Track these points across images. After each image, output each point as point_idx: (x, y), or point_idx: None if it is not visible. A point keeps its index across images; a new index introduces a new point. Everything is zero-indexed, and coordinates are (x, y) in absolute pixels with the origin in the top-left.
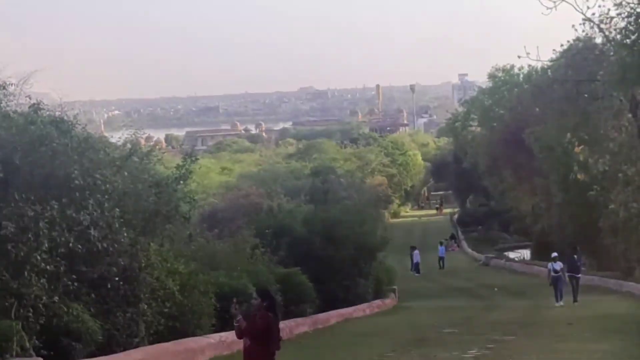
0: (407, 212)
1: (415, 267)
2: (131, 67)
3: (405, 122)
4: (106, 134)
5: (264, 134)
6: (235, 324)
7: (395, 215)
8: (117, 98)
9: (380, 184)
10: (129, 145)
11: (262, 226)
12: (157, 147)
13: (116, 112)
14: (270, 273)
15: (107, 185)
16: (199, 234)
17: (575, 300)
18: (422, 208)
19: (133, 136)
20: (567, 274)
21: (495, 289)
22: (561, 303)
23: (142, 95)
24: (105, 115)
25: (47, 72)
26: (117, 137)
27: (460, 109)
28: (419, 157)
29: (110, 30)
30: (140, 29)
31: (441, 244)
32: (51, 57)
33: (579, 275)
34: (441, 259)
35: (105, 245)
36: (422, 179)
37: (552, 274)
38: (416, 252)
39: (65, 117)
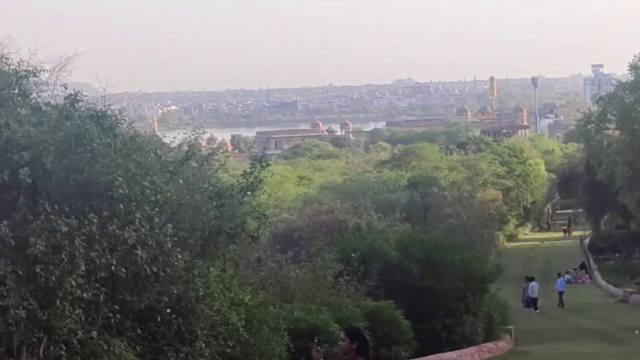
0: (526, 234)
1: (532, 303)
2: (192, 55)
3: (526, 123)
4: (159, 134)
5: (351, 136)
6: None
7: (512, 238)
8: (174, 91)
9: (493, 199)
10: (185, 148)
11: (347, 249)
12: (221, 150)
13: (173, 107)
14: (357, 307)
15: (158, 196)
16: (270, 257)
17: None
18: (544, 230)
19: (191, 136)
20: None
21: (637, 332)
22: None
23: (205, 88)
24: (160, 111)
25: (89, 57)
26: (172, 137)
27: (594, 108)
28: (542, 167)
29: (167, 11)
30: (203, 10)
31: (559, 275)
32: (95, 41)
33: None
34: (561, 294)
35: (154, 269)
36: (545, 193)
37: None
38: (533, 284)
39: (109, 112)
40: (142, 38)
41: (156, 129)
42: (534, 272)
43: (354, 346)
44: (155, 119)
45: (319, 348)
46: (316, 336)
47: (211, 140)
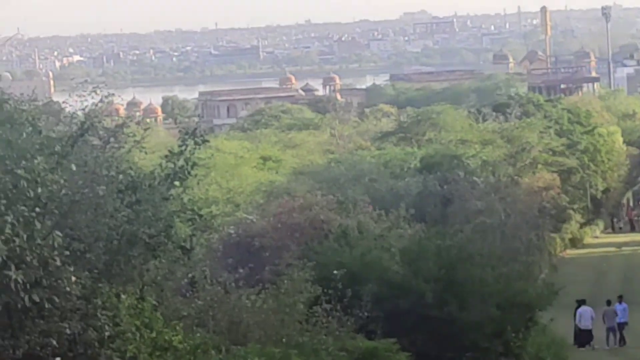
0: (596, 237)
1: (583, 336)
2: None
3: (594, 74)
4: (56, 98)
5: (338, 97)
6: None
7: (575, 242)
8: (79, 34)
9: (547, 186)
10: (80, 117)
11: (329, 263)
12: (147, 119)
13: (77, 58)
14: (342, 349)
15: (40, 189)
16: (211, 279)
17: None
18: (623, 230)
19: (102, 101)
20: None
21: None
22: None
23: (124, 30)
24: (58, 64)
25: None
26: (73, 103)
27: None
28: (619, 138)
29: None
30: None
31: (620, 299)
32: None
33: None
34: (620, 326)
35: (36, 299)
36: (623, 177)
37: None
38: (583, 309)
39: None
40: None
41: (52, 89)
42: (607, 291)
43: None
44: (52, 74)
45: None
46: None
47: (133, 104)
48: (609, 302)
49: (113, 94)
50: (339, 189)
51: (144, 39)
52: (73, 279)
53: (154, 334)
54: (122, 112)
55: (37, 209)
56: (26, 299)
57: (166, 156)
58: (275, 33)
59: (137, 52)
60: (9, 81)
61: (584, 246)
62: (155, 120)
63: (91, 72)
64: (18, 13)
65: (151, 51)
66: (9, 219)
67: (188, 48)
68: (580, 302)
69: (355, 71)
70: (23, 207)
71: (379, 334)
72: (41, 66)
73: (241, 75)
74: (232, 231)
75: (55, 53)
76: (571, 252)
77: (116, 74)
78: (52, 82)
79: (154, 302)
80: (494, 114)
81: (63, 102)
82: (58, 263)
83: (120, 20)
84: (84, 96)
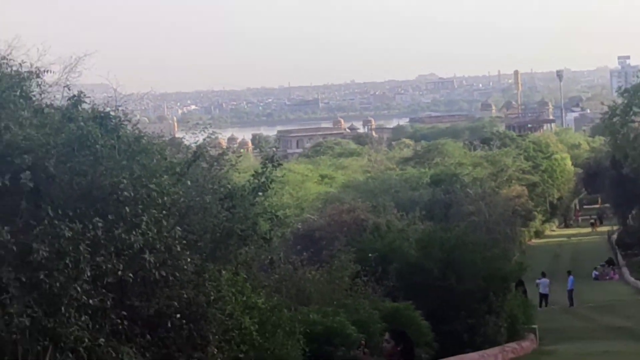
0: (553, 230)
1: (543, 300)
2: (211, 53)
3: (551, 117)
4: (181, 136)
5: (373, 134)
6: None
7: (538, 234)
8: (194, 90)
9: (518, 195)
10: (193, 147)
11: (365, 249)
12: (241, 150)
13: (193, 107)
14: (375, 308)
15: (165, 198)
16: (284, 259)
17: None
18: (571, 225)
19: (200, 137)
20: None
21: None
22: None
23: (225, 87)
24: (179, 111)
25: (103, 58)
26: (188, 138)
27: (620, 101)
28: (569, 162)
29: (184, 6)
30: (220, 6)
31: (569, 273)
32: (108, 40)
33: None
34: (570, 292)
35: (163, 273)
36: (572, 189)
37: None
38: (543, 280)
39: (112, 113)
40: (162, 38)
41: (176, 129)
42: (561, 269)
43: (398, 348)
44: (175, 119)
45: (365, 350)
46: (363, 338)
47: (232, 139)
48: (569, 272)
49: (217, 132)
50: (374, 197)
51: (239, 94)
52: (188, 260)
53: (244, 298)
54: (223, 144)
55: (164, 212)
56: (156, 274)
57: (253, 175)
58: (330, 89)
59: (235, 103)
60: (146, 123)
61: (544, 237)
62: (247, 150)
63: (202, 117)
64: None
65: (244, 102)
66: (144, 218)
67: (269, 100)
68: (542, 274)
69: (385, 116)
70: (154, 211)
71: (401, 298)
72: (168, 113)
73: (306, 119)
74: (299, 227)
75: (178, 104)
76: (535, 241)
77: (220, 118)
78: (175, 124)
79: (245, 276)
80: (482, 145)
81: (182, 138)
82: (178, 249)
83: (223, 81)
84: (196, 134)
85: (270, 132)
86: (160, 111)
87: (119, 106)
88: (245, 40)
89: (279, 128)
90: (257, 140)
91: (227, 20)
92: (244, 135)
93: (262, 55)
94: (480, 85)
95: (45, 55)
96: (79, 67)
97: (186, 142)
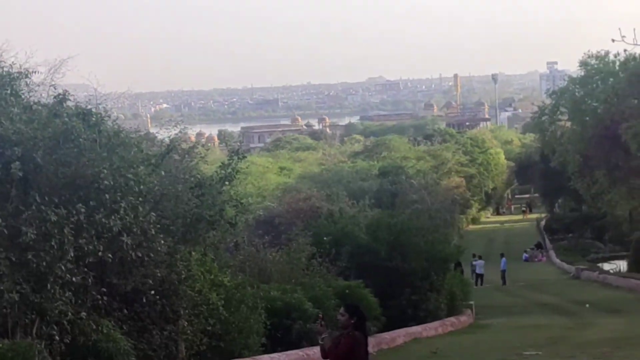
0: (488, 217)
1: (478, 279)
2: (181, 56)
3: (487, 116)
4: (155, 132)
5: (327, 130)
6: (320, 342)
7: (475, 221)
8: (165, 90)
9: (457, 185)
10: (166, 141)
11: (320, 233)
12: (203, 144)
13: (164, 105)
14: (329, 286)
15: (142, 187)
16: (248, 242)
17: None
18: (504, 213)
19: (172, 132)
20: None
21: (587, 305)
22: None
23: (194, 88)
24: (152, 109)
25: (83, 60)
26: (161, 133)
27: (548, 102)
28: (502, 156)
29: (157, 14)
30: (190, 14)
31: (502, 255)
32: (89, 45)
33: None
34: (503, 272)
35: (139, 254)
36: (504, 180)
37: None
38: (479, 262)
39: (94, 110)
40: (137, 42)
41: (149, 125)
42: (494, 251)
43: (352, 321)
44: (149, 116)
45: (323, 322)
46: (321, 312)
47: (200, 135)
48: (502, 255)
49: (187, 127)
50: (328, 187)
51: (207, 94)
52: (162, 242)
53: (212, 276)
54: (192, 139)
55: (140, 199)
56: (133, 254)
57: (220, 166)
58: (288, 90)
59: (203, 102)
60: (123, 120)
61: (480, 223)
62: (213, 144)
63: (173, 114)
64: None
65: (211, 101)
66: (123, 205)
67: (234, 99)
68: (478, 257)
69: (338, 114)
70: (131, 198)
71: (352, 277)
72: (142, 111)
73: (267, 117)
74: (260, 213)
75: (151, 102)
76: (472, 227)
77: (189, 115)
78: (149, 121)
79: (212, 257)
80: (425, 140)
81: (157, 133)
82: (153, 232)
83: (192, 81)
84: (170, 129)
85: (234, 128)
86: (135, 109)
87: (99, 104)
88: (212, 45)
89: (243, 125)
90: (222, 136)
91: (197, 27)
92: (211, 131)
93: (227, 58)
94: (424, 87)
95: (32, 57)
96: (62, 69)
97: (159, 137)
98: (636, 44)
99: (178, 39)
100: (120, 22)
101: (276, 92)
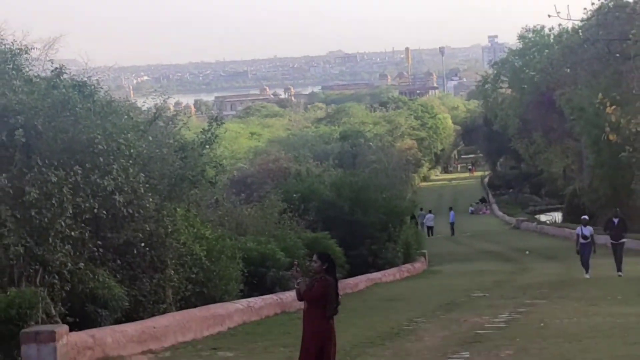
0: (437, 175)
1: (430, 231)
2: (159, 32)
3: (435, 85)
4: (135, 100)
5: (292, 99)
6: (295, 286)
7: (426, 179)
8: (146, 64)
9: (409, 147)
10: (153, 110)
11: (290, 191)
12: (185, 112)
13: (145, 78)
14: (298, 238)
15: (132, 150)
16: (226, 199)
17: (619, 271)
18: (451, 171)
19: (158, 101)
20: (611, 242)
21: (527, 252)
22: (587, 276)
23: (171, 61)
24: (135, 81)
25: (74, 37)
26: (146, 103)
27: (490, 71)
28: (449, 121)
29: None
30: None
31: (451, 209)
32: (77, 23)
33: (623, 240)
34: (452, 224)
35: (130, 210)
36: (452, 142)
37: (581, 240)
38: (429, 215)
39: (89, 82)
40: (122, 18)
41: (132, 96)
42: (443, 206)
43: (324, 267)
44: (131, 87)
45: (298, 269)
46: (296, 260)
47: (178, 104)
48: (451, 208)
49: (167, 97)
50: (294, 150)
51: (183, 67)
52: (150, 200)
53: (195, 230)
54: (172, 108)
55: (130, 161)
56: (124, 211)
57: (201, 131)
58: (257, 63)
59: (180, 74)
60: (108, 91)
61: (430, 181)
62: (191, 113)
63: (153, 86)
64: (114, 49)
65: (187, 74)
66: (115, 167)
67: (208, 72)
68: (428, 211)
69: (302, 84)
70: (122, 160)
71: (319, 229)
72: (126, 83)
73: (238, 87)
74: (235, 174)
75: (133, 75)
76: (423, 184)
77: (167, 87)
78: (132, 92)
79: (195, 213)
80: (380, 107)
81: (140, 103)
82: (142, 191)
83: (169, 56)
84: (155, 99)
85: (209, 98)
86: (118, 81)
87: (90, 77)
88: (189, 22)
89: (216, 95)
90: (199, 105)
91: (174, 6)
92: (188, 100)
93: (201, 34)
94: (378, 59)
95: (28, 35)
96: (55, 46)
97: (142, 107)
98: (569, 19)
99: (157, 17)
100: (107, 2)
101: (246, 65)
